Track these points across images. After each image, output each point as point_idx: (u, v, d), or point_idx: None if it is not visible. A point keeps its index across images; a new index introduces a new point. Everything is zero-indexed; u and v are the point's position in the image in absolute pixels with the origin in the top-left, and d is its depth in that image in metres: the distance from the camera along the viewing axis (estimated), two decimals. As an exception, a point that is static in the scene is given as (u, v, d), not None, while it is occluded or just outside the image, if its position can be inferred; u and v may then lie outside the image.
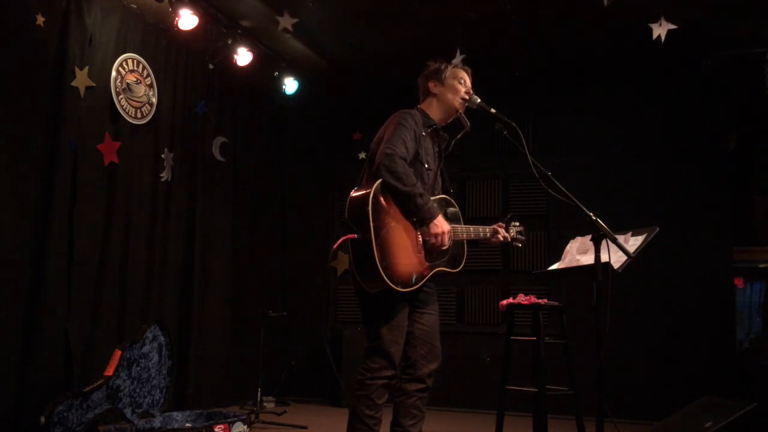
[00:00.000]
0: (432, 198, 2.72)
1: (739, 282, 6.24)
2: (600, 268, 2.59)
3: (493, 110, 2.78)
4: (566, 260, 3.38)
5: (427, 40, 5.32)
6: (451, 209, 2.89)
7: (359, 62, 5.92)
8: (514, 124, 2.71)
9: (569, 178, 2.84)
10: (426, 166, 2.76)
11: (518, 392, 3.64)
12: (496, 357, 4.88)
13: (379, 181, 2.55)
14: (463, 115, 2.93)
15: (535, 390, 3.51)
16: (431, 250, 2.67)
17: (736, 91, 5.61)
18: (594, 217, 2.56)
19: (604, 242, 2.57)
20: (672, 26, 4.62)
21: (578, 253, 3.29)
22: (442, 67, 2.93)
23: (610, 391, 2.57)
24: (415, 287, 2.62)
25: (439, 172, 2.89)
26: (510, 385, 3.70)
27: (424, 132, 2.79)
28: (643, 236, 2.88)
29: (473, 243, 2.98)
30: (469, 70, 2.97)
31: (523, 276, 5.88)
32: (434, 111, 2.91)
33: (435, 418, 5.40)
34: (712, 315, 5.34)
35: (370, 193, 2.52)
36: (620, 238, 2.69)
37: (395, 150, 2.57)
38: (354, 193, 2.61)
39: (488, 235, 2.97)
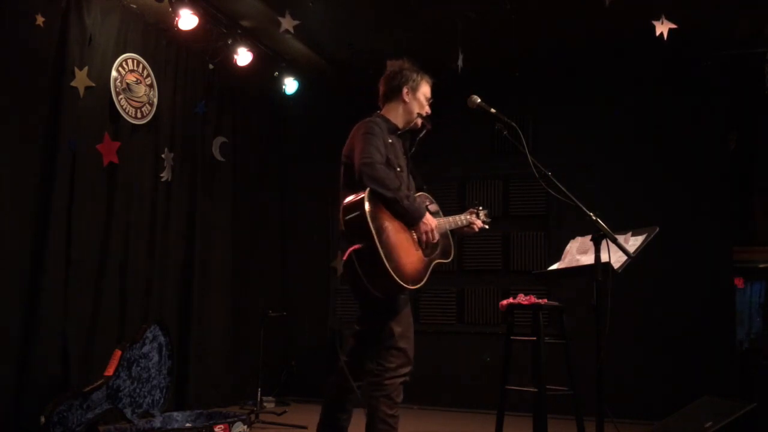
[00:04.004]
0: None
1: (739, 282, 6.22)
2: (600, 268, 2.59)
3: (493, 110, 2.78)
4: (566, 260, 3.38)
5: (427, 40, 5.32)
6: (432, 206, 2.99)
7: (359, 62, 5.91)
8: (514, 124, 2.71)
9: (569, 178, 2.83)
10: (399, 169, 2.81)
11: (518, 392, 3.64)
12: (496, 357, 4.87)
13: (368, 189, 2.58)
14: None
15: (535, 390, 3.51)
16: (425, 246, 2.75)
17: (736, 91, 5.60)
18: (594, 217, 2.56)
19: (604, 242, 2.57)
20: (672, 25, 4.62)
21: (578, 253, 3.29)
22: (416, 76, 2.96)
23: (610, 391, 2.56)
24: (424, 282, 2.72)
25: (409, 172, 2.93)
26: (510, 385, 3.70)
27: (391, 139, 2.83)
28: (643, 236, 2.88)
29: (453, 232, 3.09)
30: (431, 82, 3.02)
31: (523, 276, 5.86)
32: (399, 117, 2.95)
33: (435, 418, 5.40)
34: (712, 315, 5.33)
35: (364, 201, 2.57)
36: (620, 238, 2.69)
37: (372, 158, 2.63)
38: (346, 205, 2.65)
39: (465, 222, 3.10)
